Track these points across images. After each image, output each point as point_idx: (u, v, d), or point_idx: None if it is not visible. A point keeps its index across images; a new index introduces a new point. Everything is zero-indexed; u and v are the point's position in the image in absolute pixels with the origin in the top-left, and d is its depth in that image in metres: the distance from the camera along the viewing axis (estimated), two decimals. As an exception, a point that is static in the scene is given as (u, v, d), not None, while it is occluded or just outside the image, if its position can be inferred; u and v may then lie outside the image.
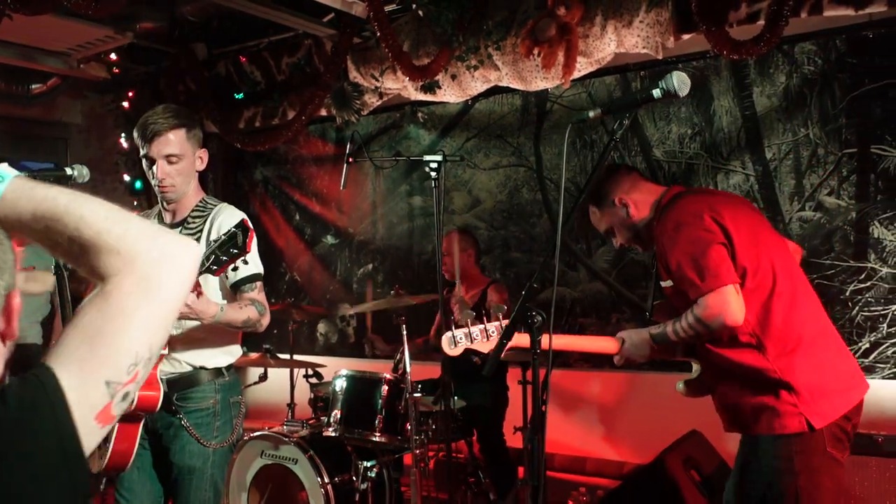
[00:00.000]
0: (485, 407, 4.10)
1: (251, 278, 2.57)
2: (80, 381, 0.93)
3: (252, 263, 2.50)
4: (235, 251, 2.18)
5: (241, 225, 2.18)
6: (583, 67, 4.12)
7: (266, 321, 2.61)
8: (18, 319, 1.01)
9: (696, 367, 2.44)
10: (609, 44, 3.98)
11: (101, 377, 0.94)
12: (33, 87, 6.01)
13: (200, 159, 2.65)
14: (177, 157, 2.55)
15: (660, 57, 3.90)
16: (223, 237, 2.20)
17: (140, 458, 2.59)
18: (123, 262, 0.99)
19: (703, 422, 3.37)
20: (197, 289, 2.28)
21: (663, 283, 2.38)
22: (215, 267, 2.22)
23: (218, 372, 2.64)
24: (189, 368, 2.60)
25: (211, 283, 2.56)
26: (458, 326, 2.08)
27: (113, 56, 5.68)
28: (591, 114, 1.78)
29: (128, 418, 2.50)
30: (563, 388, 4.59)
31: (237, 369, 2.79)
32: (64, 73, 5.77)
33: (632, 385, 4.59)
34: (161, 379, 2.53)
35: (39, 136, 6.69)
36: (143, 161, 2.59)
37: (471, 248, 4.43)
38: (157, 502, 2.65)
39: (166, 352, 2.55)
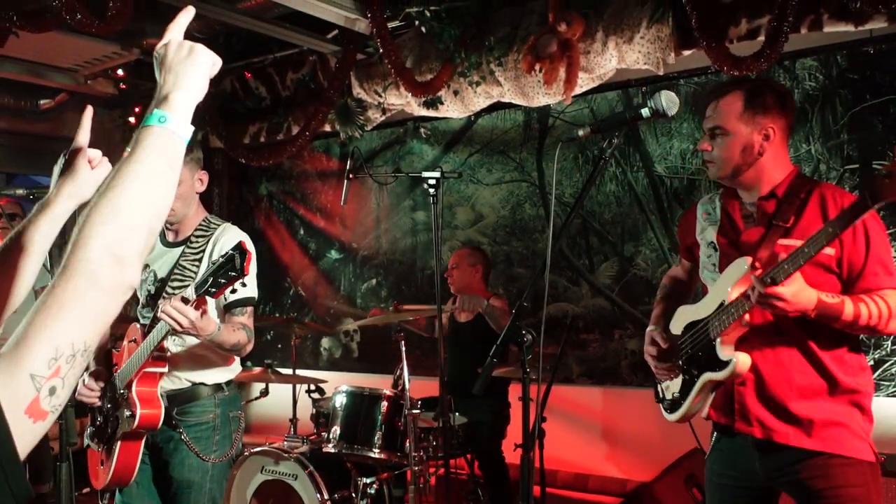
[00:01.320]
0: (485, 423, 4.09)
1: (244, 302, 2.58)
2: (9, 375, 0.95)
3: (249, 287, 2.52)
4: (233, 274, 2.18)
5: (238, 248, 2.19)
6: (584, 83, 4.14)
7: (250, 347, 2.62)
8: None
9: (738, 362, 2.06)
10: (610, 60, 3.99)
11: (25, 370, 0.96)
12: (42, 102, 6.08)
13: (200, 181, 2.67)
14: None
15: (661, 73, 3.91)
16: (221, 260, 2.21)
17: (140, 473, 2.60)
18: (74, 259, 1.02)
19: (705, 439, 3.33)
20: (202, 306, 2.29)
21: (784, 242, 2.08)
22: (214, 289, 2.23)
23: (218, 387, 2.66)
24: (189, 384, 2.62)
25: (210, 302, 2.57)
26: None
27: (120, 72, 5.74)
28: (581, 132, 1.79)
29: (130, 436, 2.52)
30: (565, 403, 4.57)
31: (239, 384, 2.80)
32: (72, 88, 5.83)
33: (634, 401, 4.56)
34: (161, 395, 2.54)
35: (48, 151, 6.74)
36: None
37: (480, 264, 4.44)
38: None
39: (166, 370, 2.56)
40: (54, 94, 6.01)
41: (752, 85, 2.15)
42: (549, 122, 4.89)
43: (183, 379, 2.60)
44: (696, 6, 3.62)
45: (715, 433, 2.32)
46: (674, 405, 2.33)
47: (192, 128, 1.18)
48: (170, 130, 1.14)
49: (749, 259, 2.03)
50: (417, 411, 3.39)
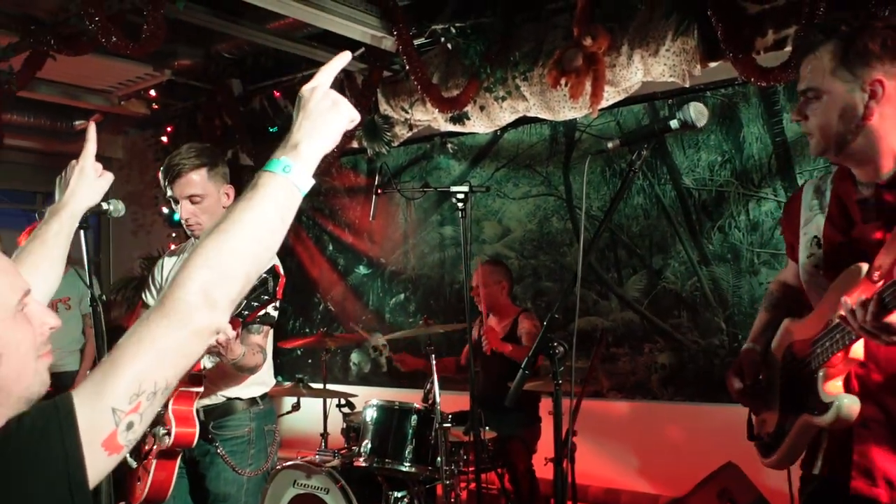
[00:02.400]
0: (516, 437, 4.08)
1: (264, 320, 2.58)
2: (90, 406, 0.98)
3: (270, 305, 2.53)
4: (266, 297, 2.18)
5: (272, 271, 2.19)
6: (610, 97, 4.15)
7: (260, 369, 2.61)
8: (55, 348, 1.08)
9: (843, 406, 1.61)
10: (636, 73, 4.00)
11: (107, 403, 0.98)
12: (76, 123, 6.23)
13: (227, 195, 2.67)
14: (199, 197, 2.58)
15: (687, 85, 3.91)
16: (254, 283, 2.19)
17: (177, 486, 2.63)
18: (171, 297, 1.05)
19: (739, 454, 3.30)
20: (237, 328, 2.30)
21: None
22: (247, 312, 2.23)
23: (253, 401, 2.68)
24: (224, 399, 2.64)
25: None
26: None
27: (152, 93, 5.86)
28: (610, 145, 1.80)
29: (166, 454, 2.55)
30: (596, 418, 4.54)
31: (271, 398, 2.83)
32: (105, 109, 5.97)
33: (667, 416, 4.52)
34: (197, 409, 2.57)
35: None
36: (171, 201, 2.64)
37: (504, 280, 4.41)
38: None
39: (202, 390, 2.58)
40: (88, 114, 6.15)
41: (848, 30, 1.68)
42: (575, 135, 4.90)
43: (218, 394, 2.63)
44: (722, 18, 3.62)
45: (810, 486, 1.81)
46: (768, 448, 1.88)
47: (313, 181, 1.17)
48: (290, 181, 1.14)
49: (865, 266, 1.58)
50: (448, 425, 3.40)
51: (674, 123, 1.72)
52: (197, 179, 2.58)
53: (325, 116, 1.19)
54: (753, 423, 1.96)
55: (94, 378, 1.00)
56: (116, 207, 2.48)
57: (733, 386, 1.93)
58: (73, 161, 1.76)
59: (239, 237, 1.09)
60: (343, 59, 1.27)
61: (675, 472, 4.27)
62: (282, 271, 2.27)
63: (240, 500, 2.59)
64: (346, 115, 1.22)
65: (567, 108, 4.28)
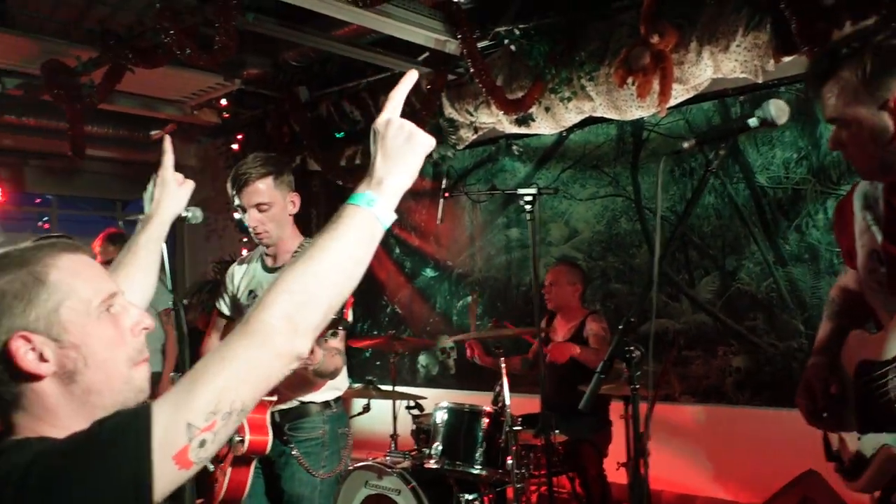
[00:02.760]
0: (587, 441, 4.03)
1: (337, 323, 2.61)
2: (168, 418, 1.00)
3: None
4: (334, 317, 2.16)
5: None
6: (679, 94, 4.07)
7: (340, 371, 2.64)
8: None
9: None
10: (705, 70, 3.91)
11: (184, 417, 1.00)
12: (152, 133, 6.45)
13: (293, 203, 2.71)
14: (266, 205, 2.62)
15: (760, 81, 3.80)
16: (336, 310, 2.16)
17: (253, 485, 2.70)
18: (256, 320, 1.08)
19: (821, 461, 3.19)
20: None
21: None
22: None
23: (326, 404, 2.71)
24: (298, 402, 2.69)
25: None
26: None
27: (223, 102, 6.02)
28: (686, 144, 1.76)
29: (240, 460, 2.62)
30: (669, 423, 4.46)
31: (343, 401, 2.86)
32: (179, 119, 6.16)
33: (743, 420, 4.40)
34: (272, 412, 2.63)
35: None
36: (239, 209, 2.69)
37: (579, 283, 4.38)
38: None
39: (275, 398, 2.63)
40: (163, 124, 6.36)
41: (855, 52, 1.57)
42: (643, 134, 4.83)
43: (293, 398, 2.68)
44: (796, 10, 3.50)
45: None
46: (851, 472, 1.76)
47: (395, 216, 1.21)
48: (374, 215, 1.18)
49: None
50: (519, 428, 3.39)
51: (753, 122, 1.68)
52: (263, 188, 2.62)
53: (402, 150, 1.21)
54: (830, 443, 1.86)
55: (175, 391, 1.03)
56: (195, 214, 2.55)
57: (803, 408, 1.84)
58: (155, 174, 1.82)
59: (323, 266, 1.12)
60: (410, 80, 1.29)
61: (753, 478, 4.16)
62: (331, 321, 2.27)
63: (313, 502, 2.63)
64: (423, 146, 1.23)
65: (634, 108, 4.21)
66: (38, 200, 7.09)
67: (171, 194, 1.77)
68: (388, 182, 1.20)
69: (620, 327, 1.77)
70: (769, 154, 4.32)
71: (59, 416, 1.09)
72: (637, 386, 1.76)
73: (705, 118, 4.56)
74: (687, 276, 4.61)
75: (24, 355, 1.07)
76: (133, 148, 6.54)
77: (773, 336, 4.28)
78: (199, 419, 1.00)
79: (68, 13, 4.60)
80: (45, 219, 7.19)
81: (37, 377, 1.08)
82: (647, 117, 4.56)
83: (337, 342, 2.58)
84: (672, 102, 4.05)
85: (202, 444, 1.01)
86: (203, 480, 2.73)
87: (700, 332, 4.55)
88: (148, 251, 1.70)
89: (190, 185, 1.88)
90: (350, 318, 2.34)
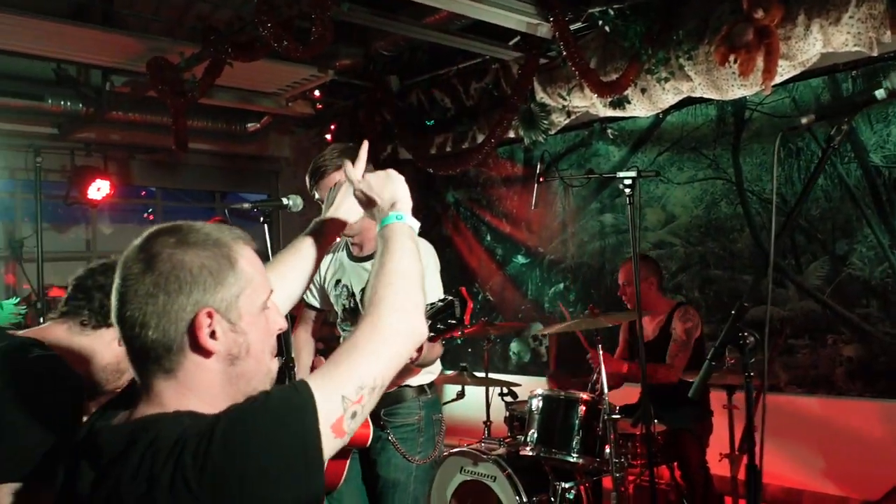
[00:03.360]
0: (688, 431, 3.92)
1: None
2: (323, 391, 1.11)
3: (434, 294, 2.54)
4: (453, 322, 2.12)
5: (459, 295, 2.13)
6: (785, 71, 3.88)
7: (438, 358, 2.63)
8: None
9: None
10: (814, 44, 3.71)
11: (339, 391, 1.13)
12: (249, 125, 6.63)
13: None
14: None
15: (874, 54, 3.57)
16: (440, 304, 2.14)
17: (350, 470, 2.74)
18: (395, 307, 1.28)
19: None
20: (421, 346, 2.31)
21: None
22: (433, 334, 2.22)
23: (421, 390, 2.72)
24: (395, 388, 2.71)
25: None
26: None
27: (316, 93, 6.13)
28: (805, 120, 1.66)
29: (340, 452, 2.65)
30: (773, 413, 4.25)
31: (437, 387, 2.87)
32: (275, 111, 6.32)
33: (854, 412, 4.19)
34: None
35: (254, 170, 7.36)
36: (319, 203, 2.64)
37: (652, 276, 4.19)
38: None
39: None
40: (259, 117, 6.53)
41: None
42: (745, 114, 4.63)
43: (392, 386, 2.70)
44: (917, -23, 3.28)
45: None
46: None
47: (418, 223, 1.53)
48: (406, 224, 1.49)
49: None
50: (617, 416, 3.33)
51: (880, 93, 1.57)
52: (340, 179, 2.62)
53: (388, 185, 1.55)
54: None
55: (327, 367, 1.16)
56: (296, 202, 2.61)
57: None
58: (340, 181, 1.91)
59: (403, 261, 1.38)
60: (363, 153, 1.72)
61: (865, 473, 3.95)
62: (469, 296, 2.22)
63: (408, 487, 2.64)
64: (398, 177, 1.57)
65: (736, 87, 4.04)
66: (143, 193, 7.40)
67: (352, 202, 1.77)
68: (398, 202, 1.52)
69: (733, 313, 1.69)
70: (884, 132, 4.07)
71: (210, 393, 1.16)
72: (752, 374, 1.69)
73: (813, 95, 4.33)
74: (793, 261, 4.40)
75: (205, 331, 1.14)
76: (231, 141, 6.74)
77: (889, 324, 4.05)
78: (352, 392, 1.13)
79: (171, 12, 4.78)
80: (150, 210, 7.51)
81: (207, 353, 1.15)
82: (750, 96, 4.37)
83: None
84: (777, 80, 3.86)
85: (353, 415, 1.14)
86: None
87: (808, 320, 4.34)
88: (309, 255, 1.71)
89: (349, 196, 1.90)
90: (465, 318, 2.31)
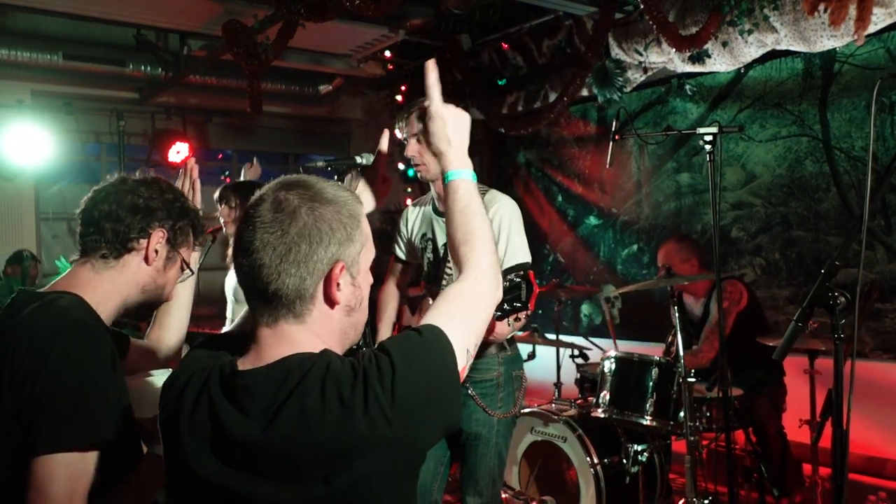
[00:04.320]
0: (762, 395, 3.82)
1: (519, 267, 2.58)
2: (455, 343, 1.23)
3: (521, 252, 2.54)
4: (518, 305, 2.09)
5: (527, 278, 2.10)
6: (879, 20, 3.65)
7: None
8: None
9: None
10: (914, -11, 3.48)
11: (465, 345, 1.24)
12: (321, 88, 6.68)
13: None
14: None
15: (981, -2, 3.33)
16: (505, 285, 2.10)
17: None
18: (481, 272, 1.37)
19: None
20: (493, 329, 2.29)
21: None
22: (499, 314, 2.19)
23: (501, 346, 2.72)
24: None
25: None
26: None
27: (387, 54, 6.11)
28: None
29: None
30: (859, 380, 4.12)
31: (517, 344, 2.87)
32: (346, 73, 6.33)
33: (944, 380, 4.01)
34: None
35: (326, 132, 7.43)
36: (403, 143, 2.73)
37: (693, 256, 4.01)
38: (442, 462, 2.82)
39: None
40: (331, 79, 6.56)
41: None
42: (834, 67, 4.40)
43: None
44: None
45: None
46: None
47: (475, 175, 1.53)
48: (468, 180, 1.48)
49: None
50: (693, 380, 3.26)
51: None
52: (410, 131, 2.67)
53: (464, 128, 1.53)
54: None
55: (454, 318, 1.26)
56: (369, 160, 2.62)
57: None
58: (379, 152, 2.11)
59: (476, 221, 1.44)
60: (431, 70, 1.57)
61: (956, 443, 3.79)
62: (536, 281, 2.19)
63: (490, 441, 2.67)
64: (465, 122, 1.53)
65: (826, 38, 3.83)
66: (220, 156, 7.56)
67: (367, 199, 2.06)
68: (460, 155, 1.50)
69: (823, 272, 1.62)
70: None
71: (330, 338, 1.24)
72: (842, 335, 1.61)
73: (910, 45, 4.08)
74: (882, 221, 4.20)
75: (337, 282, 1.21)
76: (303, 103, 6.81)
77: None
78: (473, 347, 1.27)
79: (245, -27, 4.81)
80: (227, 173, 7.68)
81: (333, 303, 1.22)
82: (840, 48, 4.13)
83: None
84: (871, 29, 3.64)
85: (467, 367, 1.25)
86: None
87: (897, 284, 4.16)
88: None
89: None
90: (530, 304, 2.28)
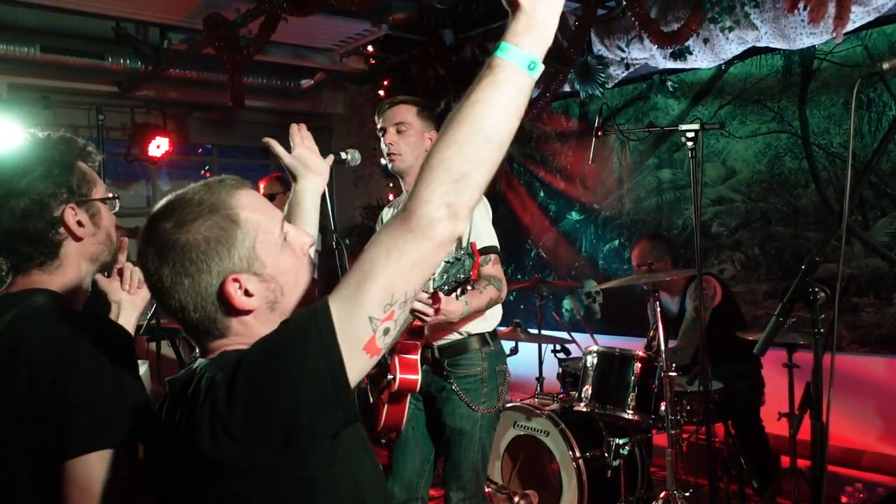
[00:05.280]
0: (742, 389, 3.87)
1: (485, 251, 2.63)
2: (348, 315, 1.06)
3: (486, 236, 2.59)
4: (462, 276, 2.26)
5: (469, 251, 2.27)
6: (858, 18, 3.70)
7: (504, 293, 2.68)
8: None
9: None
10: (891, -12, 3.52)
11: (364, 312, 1.06)
12: (303, 82, 6.65)
13: (430, 140, 2.77)
14: (405, 126, 2.74)
15: (957, -3, 3.38)
16: (449, 262, 2.29)
17: (415, 419, 2.81)
18: (415, 213, 1.07)
19: None
20: (437, 302, 2.37)
21: None
22: (446, 287, 2.32)
23: (484, 341, 2.74)
24: (459, 336, 2.73)
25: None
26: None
27: (370, 48, 6.09)
28: (886, 65, 1.59)
29: (394, 397, 2.72)
30: (837, 373, 4.17)
31: (500, 339, 2.89)
32: (328, 67, 6.31)
33: (919, 373, 4.08)
34: (433, 347, 2.70)
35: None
36: (380, 137, 2.80)
37: (667, 255, 4.09)
38: (427, 459, 2.84)
39: (420, 342, 2.71)
40: (313, 73, 6.53)
41: None
42: (813, 64, 4.45)
43: (454, 332, 2.73)
44: None
45: None
46: None
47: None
48: (533, 78, 1.15)
49: None
50: (674, 374, 3.30)
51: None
52: (405, 110, 2.76)
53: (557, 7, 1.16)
54: None
55: (348, 287, 1.07)
56: (354, 157, 2.62)
57: None
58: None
59: (480, 146, 1.09)
60: None
61: (930, 435, 3.86)
62: (478, 251, 2.31)
63: (474, 436, 2.69)
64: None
65: (805, 35, 3.88)
66: (199, 150, 7.50)
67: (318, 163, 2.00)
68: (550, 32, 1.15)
69: (804, 267, 1.64)
70: (963, 81, 3.87)
71: (267, 331, 1.16)
72: (821, 330, 1.64)
73: (888, 43, 4.13)
74: (860, 216, 4.26)
75: (237, 295, 1.17)
76: (285, 97, 6.77)
77: (961, 284, 3.90)
78: (379, 312, 1.06)
79: (226, -34, 4.77)
80: (207, 168, 7.62)
81: (247, 311, 1.19)
82: (819, 45, 4.18)
83: (489, 268, 2.62)
84: (849, 27, 3.68)
85: (386, 331, 1.08)
86: (368, 408, 2.86)
87: (873, 278, 4.21)
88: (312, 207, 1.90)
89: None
90: (472, 273, 2.36)
